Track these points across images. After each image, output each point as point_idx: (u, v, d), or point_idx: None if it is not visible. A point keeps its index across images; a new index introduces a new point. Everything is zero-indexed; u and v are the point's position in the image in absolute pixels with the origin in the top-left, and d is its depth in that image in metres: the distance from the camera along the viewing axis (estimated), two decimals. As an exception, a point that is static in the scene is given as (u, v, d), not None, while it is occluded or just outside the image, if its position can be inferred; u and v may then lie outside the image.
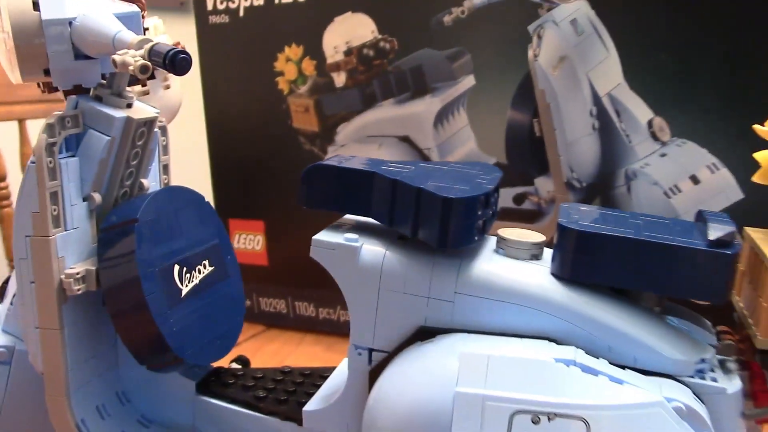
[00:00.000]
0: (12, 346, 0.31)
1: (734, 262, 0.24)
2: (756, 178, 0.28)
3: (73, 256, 0.28)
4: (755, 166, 0.28)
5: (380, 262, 0.26)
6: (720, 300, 0.24)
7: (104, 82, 0.29)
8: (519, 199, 0.52)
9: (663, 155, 0.47)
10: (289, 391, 0.31)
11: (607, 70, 0.48)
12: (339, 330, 0.59)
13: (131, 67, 0.25)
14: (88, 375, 0.30)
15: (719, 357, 0.26)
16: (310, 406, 0.29)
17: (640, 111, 0.48)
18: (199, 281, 0.31)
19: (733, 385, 0.25)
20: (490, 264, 0.26)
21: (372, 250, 0.27)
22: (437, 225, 0.25)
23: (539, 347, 0.24)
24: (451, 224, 0.25)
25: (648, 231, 0.25)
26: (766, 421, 0.25)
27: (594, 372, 0.24)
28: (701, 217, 0.27)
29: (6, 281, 0.34)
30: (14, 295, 0.32)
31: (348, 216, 0.30)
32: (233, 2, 0.60)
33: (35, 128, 0.36)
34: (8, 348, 0.31)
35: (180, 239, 0.30)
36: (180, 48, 0.25)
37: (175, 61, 0.25)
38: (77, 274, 0.28)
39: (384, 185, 0.26)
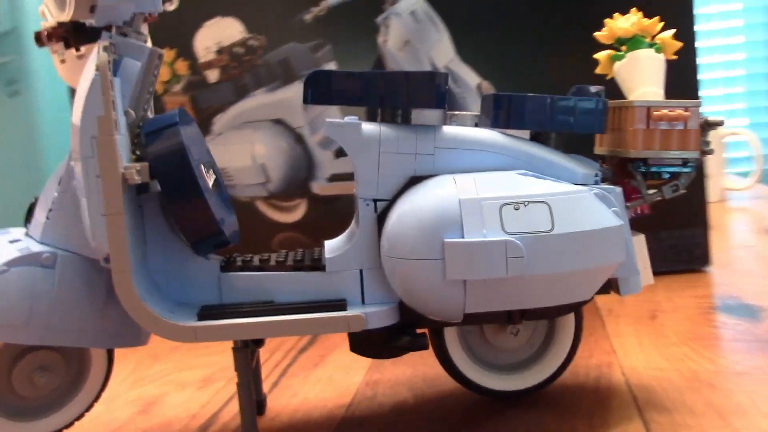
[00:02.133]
0: (55, 252, 0.35)
1: (604, 104, 0.37)
2: (598, 71, 0.42)
3: (122, 157, 0.33)
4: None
5: (378, 132, 0.35)
6: (601, 130, 0.37)
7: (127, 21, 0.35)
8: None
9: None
10: (299, 255, 0.38)
11: (442, 48, 0.62)
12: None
13: None
14: (136, 260, 0.34)
15: (601, 175, 0.38)
16: (329, 254, 0.36)
17: (470, 78, 0.62)
18: (211, 184, 0.37)
19: (617, 187, 0.37)
20: (454, 128, 0.37)
21: (370, 125, 0.36)
22: (428, 93, 0.35)
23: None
24: (438, 89, 0.35)
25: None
26: (641, 209, 0.38)
27: (543, 178, 0.35)
28: (576, 89, 0.40)
29: (33, 204, 0.37)
30: (50, 210, 0.36)
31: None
32: None
33: None
34: (52, 253, 0.35)
35: (195, 147, 0.36)
36: None
37: None
38: (139, 165, 0.33)
39: (374, 77, 0.36)
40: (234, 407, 0.43)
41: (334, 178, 0.63)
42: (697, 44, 0.60)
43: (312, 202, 0.64)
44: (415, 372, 0.45)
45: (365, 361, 0.48)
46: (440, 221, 0.33)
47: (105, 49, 0.33)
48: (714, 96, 2.13)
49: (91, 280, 0.36)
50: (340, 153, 0.63)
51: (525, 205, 0.33)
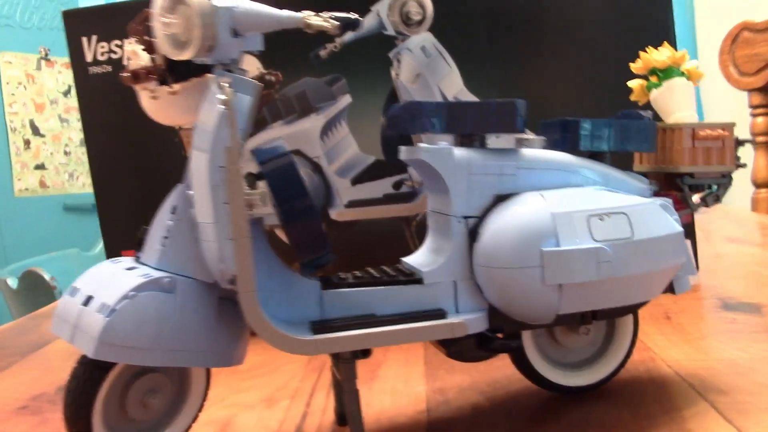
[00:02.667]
0: (174, 277, 0.37)
1: (655, 127, 0.42)
2: (633, 98, 0.47)
3: None
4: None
5: (467, 155, 0.39)
6: (653, 149, 0.42)
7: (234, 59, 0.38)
8: (397, 185, 0.67)
9: (497, 136, 0.67)
10: (390, 271, 0.41)
11: (451, 80, 0.66)
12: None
13: (330, 25, 0.36)
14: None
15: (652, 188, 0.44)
16: (425, 268, 0.40)
17: (478, 107, 0.67)
18: None
19: (669, 199, 0.42)
20: (530, 150, 0.41)
21: (460, 150, 0.39)
22: (511, 119, 0.39)
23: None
24: (520, 115, 0.39)
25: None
26: (685, 217, 0.44)
27: (616, 192, 0.40)
28: (621, 114, 0.45)
29: (143, 232, 0.39)
30: (165, 237, 0.38)
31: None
32: (115, 53, 0.66)
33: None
34: (172, 278, 0.37)
35: None
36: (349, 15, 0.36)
37: (354, 22, 0.36)
38: (260, 192, 0.36)
39: (460, 107, 0.40)
40: (314, 420, 0.45)
41: (351, 204, 0.67)
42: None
43: (330, 228, 0.66)
44: (472, 378, 0.49)
45: (419, 372, 0.51)
46: (537, 233, 0.37)
47: (229, 85, 0.36)
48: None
49: (205, 302, 0.38)
50: (356, 180, 0.66)
51: (608, 216, 0.38)
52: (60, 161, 2.21)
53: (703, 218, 1.03)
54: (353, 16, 0.38)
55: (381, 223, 0.67)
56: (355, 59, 0.66)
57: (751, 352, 0.47)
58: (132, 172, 0.67)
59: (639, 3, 0.66)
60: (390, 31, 0.65)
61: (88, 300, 0.36)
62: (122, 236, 0.68)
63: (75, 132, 2.23)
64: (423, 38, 0.65)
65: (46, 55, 2.16)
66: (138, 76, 0.40)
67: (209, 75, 0.38)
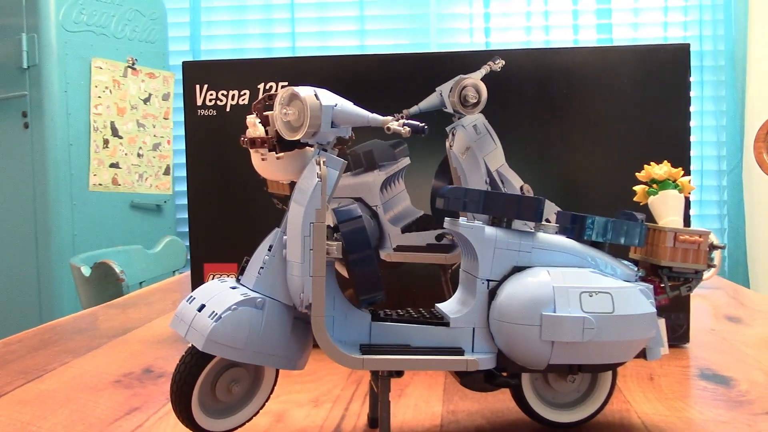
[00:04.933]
0: (264, 298, 0.50)
1: (644, 228, 0.54)
2: (636, 198, 0.59)
3: None
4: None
5: (495, 233, 0.52)
6: (641, 245, 0.54)
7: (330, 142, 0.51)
8: (439, 237, 0.80)
9: (529, 207, 0.78)
10: (425, 313, 0.53)
11: (496, 156, 0.79)
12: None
13: (404, 131, 0.49)
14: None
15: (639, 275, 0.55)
16: (452, 315, 0.52)
17: (516, 180, 0.79)
18: None
19: (650, 285, 0.54)
20: (544, 234, 0.53)
21: (490, 228, 0.52)
22: (533, 211, 0.51)
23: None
24: (540, 208, 0.51)
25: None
26: (663, 301, 0.55)
27: (606, 275, 0.52)
28: (620, 213, 0.57)
29: (246, 261, 0.52)
30: (261, 268, 0.51)
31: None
32: (221, 100, 0.80)
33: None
34: (263, 299, 0.50)
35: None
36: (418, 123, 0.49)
37: (422, 129, 0.49)
38: (336, 244, 0.48)
39: (494, 195, 0.52)
40: (350, 421, 0.57)
41: (399, 248, 0.79)
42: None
43: (379, 266, 0.79)
44: (481, 406, 0.60)
45: (438, 396, 0.63)
46: (540, 300, 0.49)
47: (324, 163, 0.49)
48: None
49: (284, 320, 0.50)
50: (405, 229, 0.79)
51: (596, 294, 0.50)
52: (132, 162, 2.38)
53: (710, 295, 1.13)
54: (422, 124, 0.50)
55: (422, 267, 0.79)
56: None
57: (707, 415, 0.58)
58: (222, 199, 0.81)
59: (661, 111, 0.77)
60: (449, 109, 0.78)
61: (201, 307, 0.49)
62: (208, 250, 0.81)
63: (149, 137, 2.41)
64: (476, 118, 0.78)
65: (133, 64, 2.34)
66: (254, 142, 0.53)
67: (308, 149, 0.51)
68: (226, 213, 0.82)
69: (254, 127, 0.54)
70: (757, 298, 1.09)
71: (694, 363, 0.73)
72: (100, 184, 2.37)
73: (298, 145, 0.51)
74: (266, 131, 0.53)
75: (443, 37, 2.83)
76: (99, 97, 2.36)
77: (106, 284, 1.54)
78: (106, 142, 2.39)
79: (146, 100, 2.49)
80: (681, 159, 0.76)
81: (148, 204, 2.47)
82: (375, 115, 0.50)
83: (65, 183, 2.29)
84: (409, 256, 0.79)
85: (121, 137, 2.42)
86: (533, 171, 0.78)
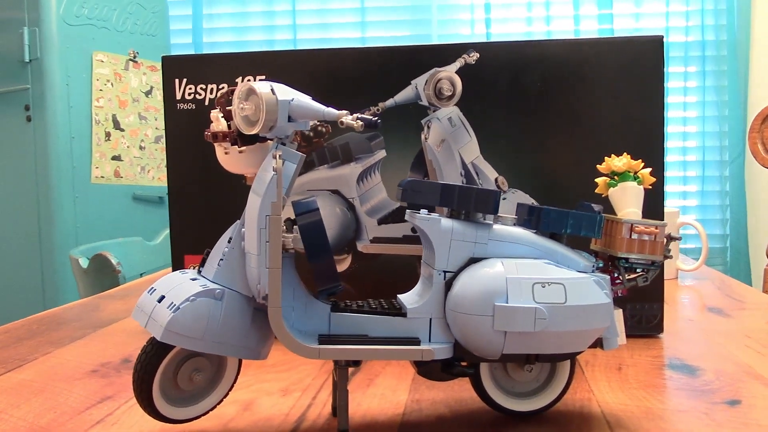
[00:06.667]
0: (223, 289, 0.51)
1: (603, 219, 0.54)
2: (597, 191, 0.59)
3: None
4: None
5: (451, 225, 0.52)
6: (599, 236, 0.55)
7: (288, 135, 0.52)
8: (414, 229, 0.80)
9: (504, 198, 0.79)
10: (384, 304, 0.54)
11: (470, 148, 0.79)
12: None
13: (357, 125, 0.49)
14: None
15: (597, 265, 0.56)
16: (409, 306, 0.53)
17: (490, 172, 0.79)
18: None
19: (606, 275, 0.54)
20: (501, 226, 0.54)
21: (447, 220, 0.53)
22: (490, 203, 0.52)
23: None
24: (496, 200, 0.52)
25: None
26: (621, 291, 0.56)
27: (560, 266, 0.52)
28: (580, 205, 0.57)
29: (207, 253, 0.53)
30: (221, 259, 0.52)
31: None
32: (199, 94, 0.81)
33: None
34: (222, 290, 0.51)
35: None
36: (371, 117, 0.50)
37: (375, 123, 0.50)
38: (292, 236, 0.49)
39: (452, 188, 0.53)
40: (316, 410, 0.58)
41: (375, 240, 0.80)
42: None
43: (356, 258, 0.80)
44: (446, 395, 0.61)
45: (405, 384, 0.64)
46: (493, 291, 0.50)
47: (280, 156, 0.50)
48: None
49: (243, 310, 0.51)
50: (382, 221, 0.80)
51: (549, 285, 0.50)
52: (135, 155, 2.40)
53: (699, 286, 1.14)
54: (375, 118, 0.51)
55: (399, 258, 0.80)
56: (393, 122, 0.79)
57: (668, 404, 0.58)
58: (202, 192, 0.82)
59: (635, 103, 0.78)
60: (424, 102, 0.79)
61: (161, 298, 0.51)
62: (188, 242, 0.82)
63: (151, 129, 2.42)
64: (450, 110, 0.79)
65: (134, 57, 2.36)
66: (217, 136, 0.54)
67: (269, 142, 0.52)
68: (206, 206, 0.83)
69: (217, 122, 0.55)
70: (743, 290, 1.10)
71: (666, 353, 0.73)
72: (102, 177, 2.39)
73: (259, 139, 0.52)
74: (229, 125, 0.54)
75: (445, 29, 2.83)
76: (100, 90, 2.38)
77: (103, 276, 1.56)
78: (108, 134, 2.40)
79: (148, 93, 2.51)
80: (655, 151, 0.77)
81: (150, 196, 2.49)
82: (330, 109, 0.51)
83: (67, 176, 2.31)
84: (385, 248, 0.80)
85: (122, 130, 2.44)
86: (508, 163, 0.79)
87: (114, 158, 2.42)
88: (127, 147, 2.45)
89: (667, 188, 2.57)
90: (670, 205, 2.24)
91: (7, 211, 2.35)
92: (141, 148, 2.49)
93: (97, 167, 2.37)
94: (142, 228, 2.31)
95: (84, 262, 1.58)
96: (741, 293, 1.08)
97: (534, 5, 2.78)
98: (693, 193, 2.68)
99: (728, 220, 2.66)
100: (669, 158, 2.69)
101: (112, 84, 2.40)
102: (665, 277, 1.17)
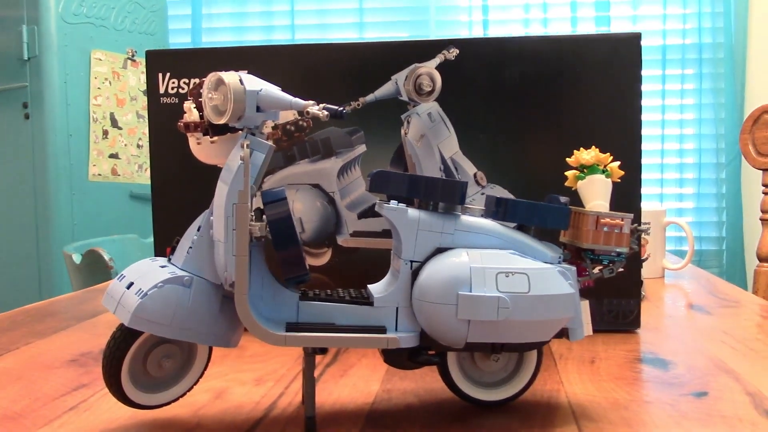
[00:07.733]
0: (192, 276, 0.51)
1: (569, 211, 0.55)
2: (567, 183, 0.60)
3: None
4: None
5: (418, 215, 0.53)
6: (565, 227, 0.55)
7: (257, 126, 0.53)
8: (395, 224, 0.81)
9: (482, 194, 0.80)
10: (352, 293, 0.55)
11: (449, 143, 0.80)
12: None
13: (322, 114, 0.50)
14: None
15: (563, 257, 0.56)
16: (377, 295, 0.53)
17: (469, 167, 0.80)
18: None
19: (572, 267, 0.55)
20: (468, 217, 0.54)
21: (413, 211, 0.53)
22: (456, 194, 0.53)
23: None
24: (462, 192, 0.53)
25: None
26: (587, 282, 0.56)
27: (525, 257, 0.53)
28: (549, 197, 0.58)
29: (176, 241, 0.54)
30: (190, 247, 0.52)
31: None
32: (182, 89, 0.82)
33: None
34: (190, 277, 0.51)
35: None
36: (336, 107, 0.51)
37: (340, 113, 0.50)
38: (259, 225, 0.50)
39: (419, 179, 0.53)
40: (287, 398, 0.59)
41: (355, 234, 0.81)
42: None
43: (336, 251, 0.81)
44: (417, 385, 0.62)
45: (379, 375, 0.65)
46: (457, 280, 0.50)
47: (247, 146, 0.50)
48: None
49: (212, 298, 0.52)
50: (362, 215, 0.81)
51: (513, 274, 0.51)
52: (132, 153, 2.41)
53: (685, 285, 1.14)
54: (340, 108, 0.52)
55: (378, 252, 0.80)
56: (373, 116, 0.80)
57: (634, 395, 0.59)
58: (185, 185, 0.83)
59: (613, 99, 0.78)
60: (404, 97, 0.79)
61: (130, 285, 0.51)
62: (171, 236, 0.83)
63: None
64: (430, 106, 0.80)
65: (133, 55, 2.37)
66: (189, 127, 0.54)
67: (239, 132, 0.52)
68: (189, 200, 0.83)
69: (190, 112, 0.55)
70: (729, 289, 1.10)
71: (642, 348, 0.74)
72: (100, 175, 2.40)
73: (229, 129, 0.53)
74: (201, 116, 0.54)
75: (443, 30, 2.84)
76: (98, 88, 2.39)
77: (95, 271, 1.57)
78: (105, 132, 2.42)
79: (146, 92, 2.52)
80: (632, 147, 0.77)
81: (147, 194, 2.50)
82: (297, 100, 0.52)
83: (65, 173, 2.32)
84: (365, 242, 0.81)
85: (120, 128, 2.45)
86: (487, 158, 0.80)
87: (111, 156, 2.43)
88: (125, 145, 2.47)
89: (664, 190, 2.58)
90: (666, 207, 2.24)
91: (4, 207, 2.37)
92: (138, 146, 2.50)
93: (94, 165, 2.39)
94: (139, 225, 2.32)
95: (77, 258, 1.59)
96: (726, 292, 1.08)
97: (531, 7, 2.79)
98: (689, 195, 2.68)
99: (724, 223, 2.67)
100: (666, 160, 2.70)
101: (110, 82, 2.41)
102: (652, 276, 1.18)
